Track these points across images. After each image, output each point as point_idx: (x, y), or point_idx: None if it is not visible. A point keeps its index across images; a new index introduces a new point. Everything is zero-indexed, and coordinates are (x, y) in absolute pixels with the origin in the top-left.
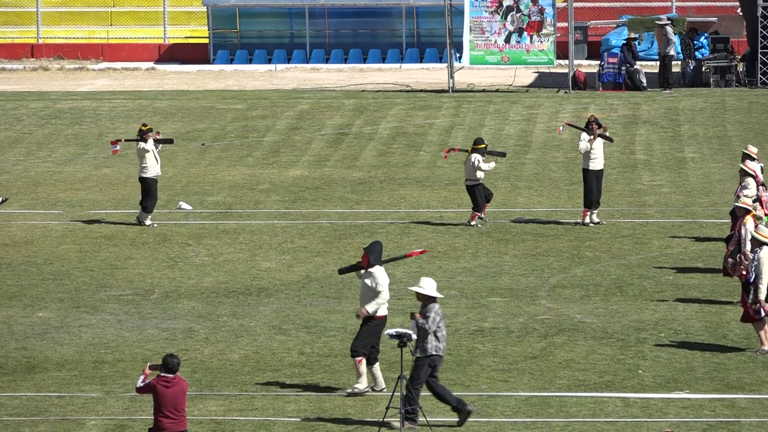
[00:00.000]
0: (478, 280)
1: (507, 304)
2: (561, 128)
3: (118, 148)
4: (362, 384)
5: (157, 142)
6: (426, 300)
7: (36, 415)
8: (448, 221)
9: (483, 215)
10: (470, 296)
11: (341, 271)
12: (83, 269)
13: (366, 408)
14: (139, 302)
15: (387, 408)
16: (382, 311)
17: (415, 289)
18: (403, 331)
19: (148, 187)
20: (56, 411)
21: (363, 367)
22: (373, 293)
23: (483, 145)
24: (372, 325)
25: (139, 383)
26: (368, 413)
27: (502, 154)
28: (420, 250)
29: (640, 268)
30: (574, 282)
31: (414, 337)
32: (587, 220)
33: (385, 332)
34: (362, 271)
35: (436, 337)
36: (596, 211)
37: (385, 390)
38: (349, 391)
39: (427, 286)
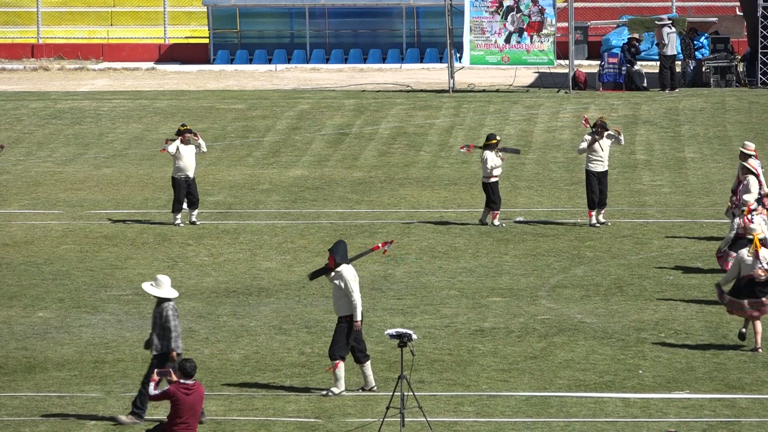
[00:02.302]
0: (478, 280)
1: (507, 304)
2: (586, 120)
3: (166, 148)
4: (339, 387)
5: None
6: (161, 299)
7: (36, 415)
8: (448, 221)
9: (487, 220)
10: (470, 296)
11: (311, 277)
12: (83, 269)
13: (366, 408)
14: (139, 302)
15: (387, 408)
16: (351, 311)
17: (150, 291)
18: (404, 331)
19: (178, 189)
20: (56, 411)
21: (341, 371)
22: (344, 293)
23: (494, 141)
24: (341, 325)
25: (152, 390)
26: (368, 413)
27: (516, 151)
28: (387, 242)
29: (640, 268)
30: (575, 282)
31: (414, 336)
32: (593, 220)
33: (385, 332)
34: (331, 274)
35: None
36: (602, 212)
37: (375, 389)
38: (325, 393)
39: (163, 287)
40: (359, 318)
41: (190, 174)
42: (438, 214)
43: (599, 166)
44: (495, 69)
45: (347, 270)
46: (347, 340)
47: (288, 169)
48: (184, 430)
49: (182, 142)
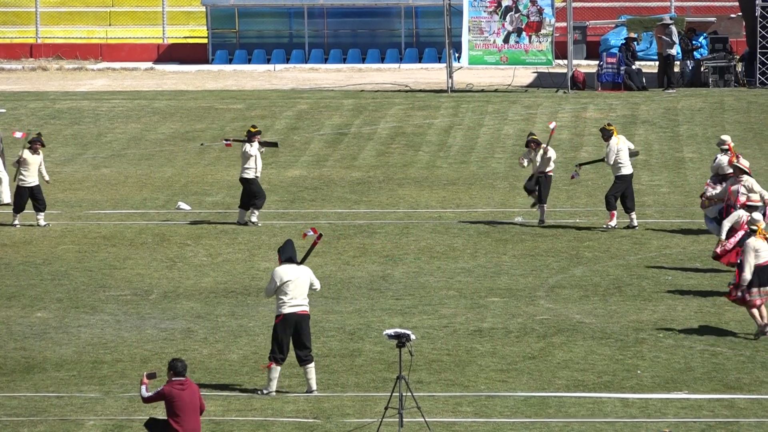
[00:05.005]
0: (476, 281)
1: (506, 305)
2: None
3: (230, 143)
4: (269, 388)
5: (261, 144)
6: None
7: (35, 416)
8: (447, 221)
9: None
10: (469, 296)
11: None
12: (82, 269)
13: (364, 408)
14: (137, 302)
15: (385, 408)
16: (281, 310)
17: None
18: (402, 331)
19: (254, 187)
20: (55, 411)
21: (273, 372)
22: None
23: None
24: (274, 325)
25: (145, 393)
26: (367, 414)
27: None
28: (314, 234)
29: (638, 269)
30: (573, 282)
31: (413, 337)
32: (633, 222)
33: (384, 332)
34: None
35: None
36: (633, 215)
37: (315, 392)
38: (258, 392)
39: None
40: (277, 313)
41: (259, 175)
42: (437, 214)
43: (625, 169)
44: (493, 69)
45: (276, 269)
46: (277, 340)
47: (287, 169)
48: (188, 425)
49: (261, 144)
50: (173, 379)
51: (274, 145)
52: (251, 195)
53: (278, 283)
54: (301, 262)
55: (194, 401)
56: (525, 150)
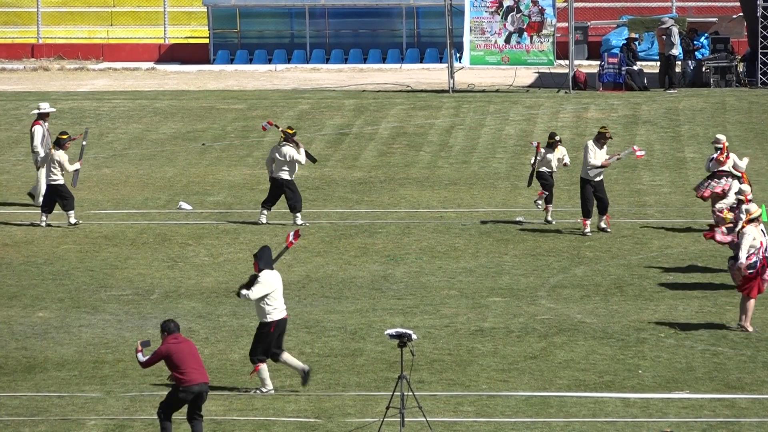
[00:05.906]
0: (478, 280)
1: (507, 304)
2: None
3: (267, 127)
4: (266, 387)
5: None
6: None
7: (36, 415)
8: (448, 221)
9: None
10: (470, 296)
11: (238, 293)
12: (83, 269)
13: (366, 408)
14: (139, 302)
15: (387, 408)
16: (273, 317)
17: None
18: (403, 331)
19: (293, 188)
20: (56, 411)
21: (263, 372)
22: (261, 299)
23: (552, 141)
24: (261, 331)
25: (142, 358)
26: (368, 413)
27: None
28: (293, 235)
29: (640, 268)
30: (574, 282)
31: (414, 336)
32: (602, 225)
33: (385, 332)
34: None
35: None
36: (603, 218)
37: (307, 370)
38: (253, 391)
39: None
40: (266, 320)
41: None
42: (438, 214)
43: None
44: (495, 69)
45: (265, 275)
46: (263, 344)
47: None
48: (196, 376)
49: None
50: (167, 335)
51: (314, 160)
52: (287, 196)
53: (270, 291)
54: (272, 265)
55: (193, 351)
56: (546, 148)
